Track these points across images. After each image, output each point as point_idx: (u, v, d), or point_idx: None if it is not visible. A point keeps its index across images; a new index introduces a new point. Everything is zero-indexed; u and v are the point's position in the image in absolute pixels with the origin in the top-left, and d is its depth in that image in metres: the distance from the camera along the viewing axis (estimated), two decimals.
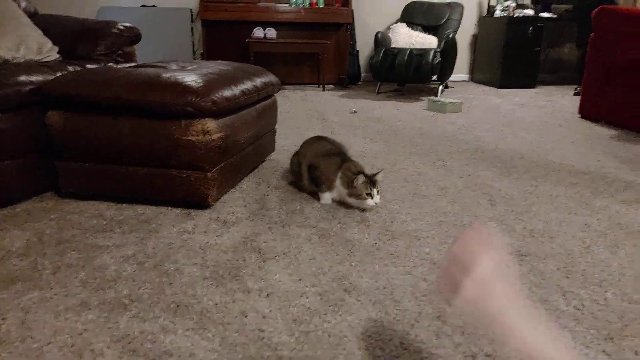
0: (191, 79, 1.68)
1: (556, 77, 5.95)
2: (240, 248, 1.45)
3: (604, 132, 3.16)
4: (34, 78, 1.74)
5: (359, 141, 2.78)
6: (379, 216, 1.72)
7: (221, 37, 5.13)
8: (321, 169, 1.81)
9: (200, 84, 1.65)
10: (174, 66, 2.07)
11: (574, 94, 4.75)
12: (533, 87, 5.28)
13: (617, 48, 3.25)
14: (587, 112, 3.56)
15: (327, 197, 1.82)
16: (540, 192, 1.99)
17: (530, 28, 5.08)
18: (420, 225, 1.64)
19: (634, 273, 1.36)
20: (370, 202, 1.70)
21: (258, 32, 4.70)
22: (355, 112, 3.69)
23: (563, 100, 4.43)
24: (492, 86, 5.34)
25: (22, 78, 1.71)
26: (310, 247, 1.47)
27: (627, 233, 1.62)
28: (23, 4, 2.37)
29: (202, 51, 5.12)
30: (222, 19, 4.75)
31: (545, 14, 5.23)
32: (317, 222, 1.65)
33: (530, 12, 5.21)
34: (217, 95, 1.66)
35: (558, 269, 1.37)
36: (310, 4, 4.86)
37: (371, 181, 1.69)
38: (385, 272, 1.33)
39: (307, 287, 1.25)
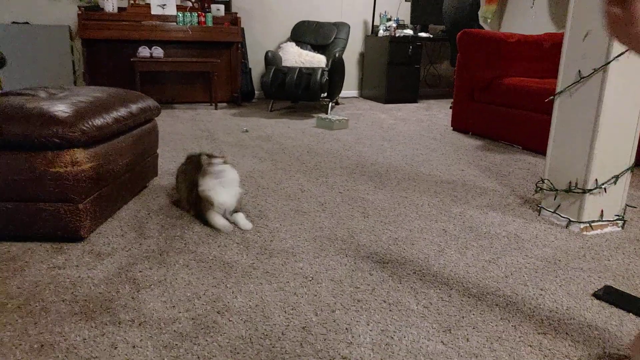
0: (58, 108, 1.63)
1: (435, 91, 6.54)
2: (114, 280, 1.44)
3: (470, 143, 3.55)
4: None
5: (247, 161, 2.85)
6: (260, 235, 1.79)
7: (104, 56, 4.92)
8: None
9: (68, 113, 1.61)
10: (42, 94, 1.99)
11: (450, 108, 5.26)
12: (415, 101, 5.75)
13: (477, 68, 3.70)
14: (458, 125, 3.98)
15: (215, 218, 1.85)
16: (408, 203, 2.20)
17: (410, 47, 5.54)
18: (298, 242, 1.75)
19: (476, 270, 1.58)
20: (216, 161, 1.84)
21: (144, 51, 4.59)
22: (246, 131, 3.76)
23: (440, 114, 4.89)
24: (379, 101, 5.73)
25: None
26: (188, 272, 1.50)
27: (476, 235, 1.86)
28: None
29: (83, 71, 4.87)
30: (104, 38, 4.57)
31: (423, 34, 5.74)
32: (197, 247, 1.68)
33: (409, 32, 5.69)
34: (86, 124, 1.64)
35: (414, 272, 1.55)
36: (198, 22, 4.85)
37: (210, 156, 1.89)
38: (259, 290, 1.41)
39: (180, 312, 1.28)
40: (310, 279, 1.48)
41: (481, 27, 5.56)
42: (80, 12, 4.46)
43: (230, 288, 1.41)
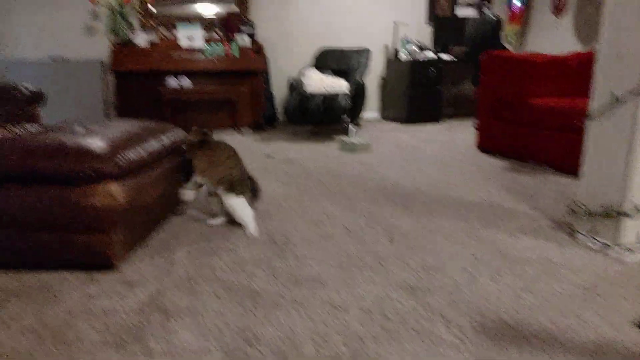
0: (93, 142, 1.69)
1: (458, 111, 6.51)
2: (145, 309, 1.46)
3: (497, 163, 3.50)
4: None
5: (271, 185, 2.88)
6: (287, 263, 1.79)
7: (134, 87, 5.08)
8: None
9: (103, 148, 1.67)
10: (78, 128, 2.06)
11: (474, 127, 5.21)
12: (437, 121, 5.73)
13: (502, 88, 3.67)
14: (483, 145, 3.94)
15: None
16: (434, 227, 2.18)
17: (432, 69, 5.56)
18: (325, 269, 1.74)
19: (509, 298, 1.54)
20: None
21: (172, 82, 4.73)
22: (270, 156, 3.80)
23: (463, 134, 4.85)
24: (401, 122, 5.73)
25: None
26: (217, 301, 1.51)
27: (508, 261, 1.82)
28: None
29: (115, 103, 5.04)
30: (135, 70, 4.73)
31: (444, 56, 5.76)
32: (225, 275, 1.69)
33: (431, 54, 5.72)
34: (120, 157, 1.69)
35: (445, 301, 1.52)
36: (224, 53, 4.98)
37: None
38: (289, 320, 1.40)
39: (210, 343, 1.29)
40: (339, 308, 1.47)
41: (504, 48, 5.53)
42: (113, 46, 4.65)
43: (259, 318, 1.41)
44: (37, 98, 2.38)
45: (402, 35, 6.03)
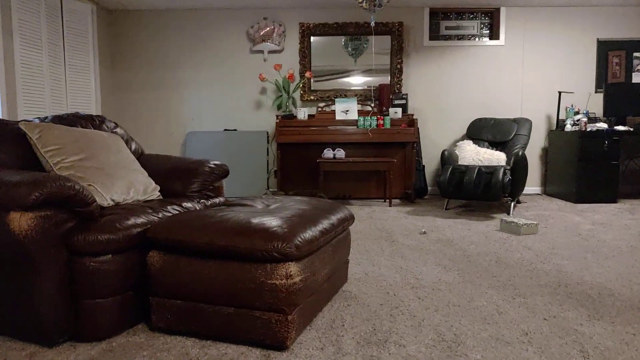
0: (276, 223, 1.81)
1: (639, 189, 5.68)
2: None
3: None
4: (139, 221, 1.96)
5: (431, 269, 2.76)
6: None
7: (293, 156, 5.50)
8: None
9: (285, 230, 1.77)
10: (259, 205, 2.26)
11: None
12: (614, 201, 5.06)
13: None
14: None
15: None
16: (639, 343, 1.83)
17: (606, 142, 5.01)
18: None
19: None
20: None
21: (328, 153, 5.01)
22: (424, 232, 3.70)
23: None
24: (568, 200, 5.18)
25: (131, 222, 1.93)
26: None
27: None
28: (133, 147, 2.73)
29: (275, 169, 5.49)
30: (296, 142, 5.13)
31: (620, 127, 5.16)
32: None
33: (603, 125, 5.18)
34: (299, 239, 1.77)
35: None
36: (377, 125, 5.15)
37: None
38: None
39: None
40: None
41: None
42: (278, 121, 5.15)
43: None
44: (221, 172, 2.68)
45: (567, 105, 5.60)
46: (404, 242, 3.41)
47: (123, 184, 2.18)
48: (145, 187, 2.31)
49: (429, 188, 5.77)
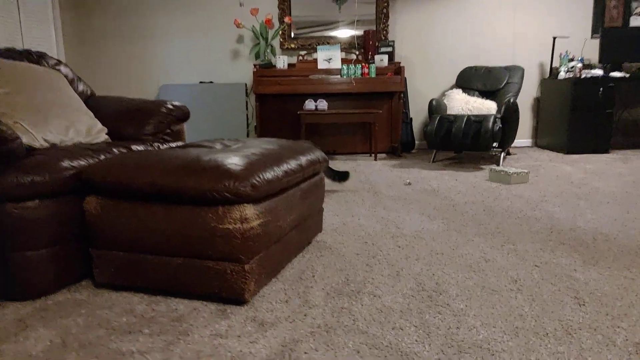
0: (231, 161, 1.56)
1: (633, 140, 5.49)
2: None
3: None
4: (76, 163, 1.70)
5: (414, 218, 2.55)
6: (442, 318, 1.45)
7: (274, 109, 5.20)
8: None
9: (240, 167, 1.53)
10: (217, 146, 2.00)
11: None
12: (606, 152, 4.86)
13: None
14: None
15: None
16: (638, 288, 1.64)
17: (601, 89, 4.76)
18: (493, 334, 1.36)
19: None
20: None
21: (309, 104, 4.71)
22: (409, 183, 3.48)
23: None
24: (559, 152, 4.98)
25: (65, 164, 1.67)
26: None
27: None
28: (80, 87, 2.44)
29: (255, 124, 5.20)
30: (275, 93, 4.83)
31: (616, 74, 4.91)
32: (368, 327, 1.41)
33: (599, 72, 4.92)
34: (257, 178, 1.53)
35: None
36: (361, 74, 4.85)
37: None
38: None
39: None
40: None
41: None
42: (255, 70, 4.81)
43: None
44: (181, 115, 2.40)
45: (562, 52, 5.31)
46: (387, 194, 3.20)
47: (60, 124, 1.91)
48: (88, 128, 2.04)
49: (417, 142, 5.53)
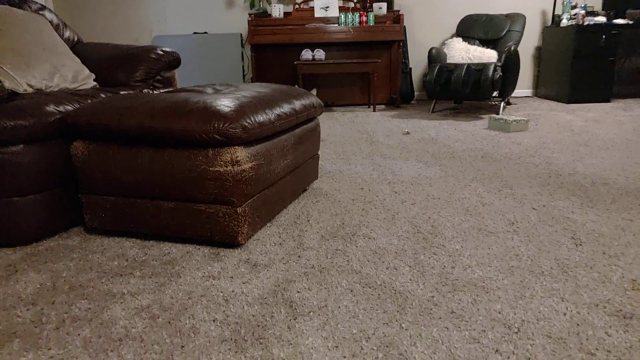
0: (221, 103, 1.51)
1: (634, 88, 5.38)
2: (269, 300, 1.24)
3: None
4: (61, 108, 1.64)
5: (411, 166, 2.52)
6: (437, 259, 1.44)
7: (270, 60, 5.06)
8: None
9: (230, 109, 1.48)
10: (209, 90, 1.93)
11: None
12: (608, 101, 4.77)
13: None
14: None
15: None
16: (636, 229, 1.63)
17: (603, 36, 4.61)
18: (488, 272, 1.35)
19: None
20: None
21: (306, 54, 4.58)
22: (407, 133, 3.43)
23: None
24: (560, 101, 4.89)
25: (50, 108, 1.61)
26: (352, 300, 1.22)
27: None
28: (66, 34, 2.34)
29: (251, 76, 5.08)
30: (271, 42, 4.68)
31: (620, 21, 4.74)
32: (362, 267, 1.40)
33: (602, 19, 4.75)
34: (248, 120, 1.48)
35: None
36: (360, 22, 4.68)
37: None
38: (446, 338, 1.06)
39: (344, 357, 1.00)
40: (516, 330, 1.08)
41: None
42: (250, 19, 4.64)
43: (406, 330, 1.09)
44: (171, 60, 2.32)
45: None
46: (384, 142, 3.15)
47: (44, 69, 1.84)
48: (75, 74, 1.96)
49: (416, 93, 5.43)
